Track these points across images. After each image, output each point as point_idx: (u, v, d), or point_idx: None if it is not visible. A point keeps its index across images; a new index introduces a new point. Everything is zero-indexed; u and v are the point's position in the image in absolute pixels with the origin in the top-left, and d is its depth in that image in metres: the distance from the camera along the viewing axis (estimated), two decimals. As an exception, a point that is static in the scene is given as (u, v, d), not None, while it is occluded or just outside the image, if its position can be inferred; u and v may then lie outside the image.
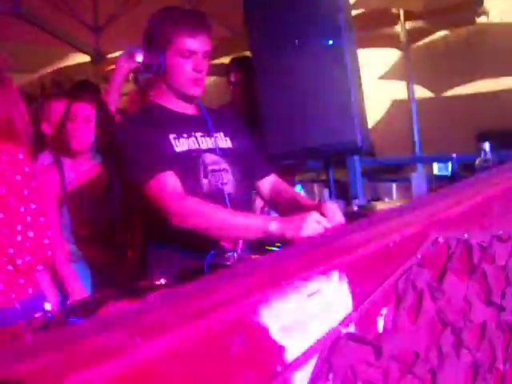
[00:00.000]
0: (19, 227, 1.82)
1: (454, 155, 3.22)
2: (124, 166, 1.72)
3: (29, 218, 1.85)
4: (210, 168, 1.73)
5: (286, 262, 0.57)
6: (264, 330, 0.51)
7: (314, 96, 3.18)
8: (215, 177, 1.73)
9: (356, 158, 3.68)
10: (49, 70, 6.57)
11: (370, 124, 8.13)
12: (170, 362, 0.42)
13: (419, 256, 0.73)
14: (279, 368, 0.53)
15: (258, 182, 1.91)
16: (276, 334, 0.52)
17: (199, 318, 0.45)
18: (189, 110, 1.81)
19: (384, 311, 0.68)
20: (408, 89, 6.69)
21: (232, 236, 1.62)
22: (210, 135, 1.79)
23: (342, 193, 3.77)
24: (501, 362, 0.92)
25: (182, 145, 1.72)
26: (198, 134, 1.77)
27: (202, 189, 1.70)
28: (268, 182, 1.92)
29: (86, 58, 4.74)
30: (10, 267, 1.89)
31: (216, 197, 1.69)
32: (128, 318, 0.45)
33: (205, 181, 1.72)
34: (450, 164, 3.44)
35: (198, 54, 1.70)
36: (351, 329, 0.62)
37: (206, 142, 1.77)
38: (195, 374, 0.44)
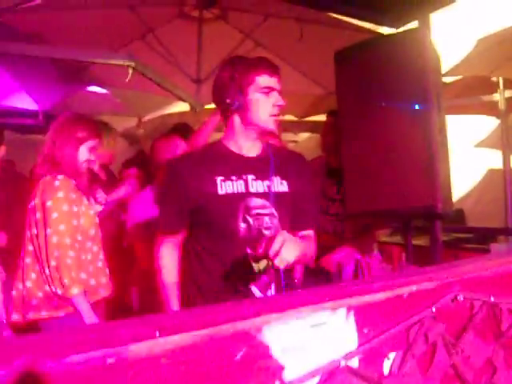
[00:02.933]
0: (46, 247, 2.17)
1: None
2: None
3: (55, 239, 2.14)
4: (254, 212, 1.76)
5: (294, 296, 0.65)
6: (266, 347, 0.59)
7: (396, 158, 3.19)
8: (258, 221, 1.76)
9: (438, 224, 3.62)
10: (152, 116, 7.12)
11: (464, 191, 7.89)
12: (182, 356, 0.52)
13: (434, 309, 0.77)
14: (277, 383, 0.61)
15: (295, 232, 1.83)
16: (277, 353, 0.60)
17: (210, 326, 0.54)
18: (251, 151, 1.85)
19: (391, 355, 0.73)
20: (504, 158, 6.46)
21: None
22: (264, 178, 1.82)
23: (421, 258, 3.70)
24: None
25: (226, 187, 1.77)
26: (250, 177, 1.80)
27: (238, 233, 1.74)
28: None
29: (187, 107, 5.12)
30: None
31: (256, 240, 1.68)
32: (154, 319, 0.55)
33: (243, 225, 1.75)
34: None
35: (276, 92, 1.81)
36: (354, 364, 0.68)
37: (255, 186, 1.80)
38: (202, 370, 0.54)
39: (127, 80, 3.21)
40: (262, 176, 1.82)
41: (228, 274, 1.74)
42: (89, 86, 5.54)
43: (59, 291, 2.11)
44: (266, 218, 1.77)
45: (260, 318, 0.59)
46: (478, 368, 0.86)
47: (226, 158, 1.83)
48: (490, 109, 6.50)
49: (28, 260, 2.21)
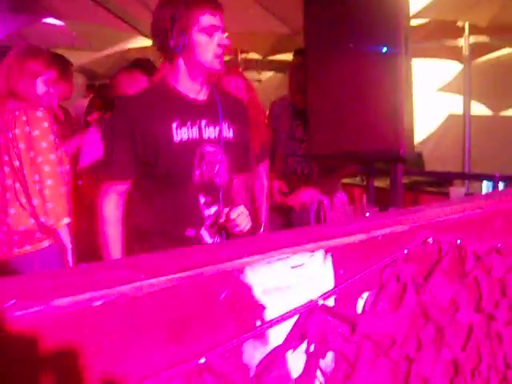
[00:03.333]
0: (36, 177, 2.06)
1: (497, 174, 3.18)
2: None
3: (47, 168, 2.08)
4: (207, 159, 1.77)
5: (275, 237, 0.66)
6: (248, 288, 0.61)
7: (362, 101, 3.20)
8: (210, 168, 1.77)
9: (400, 167, 3.69)
10: (114, 50, 6.85)
11: (424, 135, 8.03)
12: (166, 299, 0.52)
13: (406, 251, 0.80)
14: (258, 322, 0.62)
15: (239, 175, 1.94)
16: (258, 293, 0.62)
17: (193, 268, 0.55)
18: (200, 94, 1.81)
19: (365, 295, 0.77)
20: (465, 104, 6.56)
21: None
22: (215, 124, 1.80)
23: (381, 200, 3.80)
24: (485, 367, 0.98)
25: (182, 134, 1.74)
26: (203, 123, 1.78)
27: (192, 180, 1.75)
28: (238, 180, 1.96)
29: (147, 42, 4.95)
30: (31, 220, 2.12)
31: (207, 187, 1.76)
32: (136, 261, 0.55)
33: (197, 171, 1.75)
34: (500, 184, 3.37)
35: (220, 31, 1.73)
36: (330, 303, 0.70)
37: (208, 132, 1.78)
38: (186, 312, 0.55)
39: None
40: (212, 121, 1.80)
41: (179, 219, 1.76)
42: (44, 17, 5.26)
43: (50, 221, 2.09)
44: (217, 165, 1.79)
45: (243, 259, 0.60)
46: (442, 306, 0.91)
47: (178, 101, 1.77)
48: (455, 54, 6.53)
49: (8, 195, 2.17)
